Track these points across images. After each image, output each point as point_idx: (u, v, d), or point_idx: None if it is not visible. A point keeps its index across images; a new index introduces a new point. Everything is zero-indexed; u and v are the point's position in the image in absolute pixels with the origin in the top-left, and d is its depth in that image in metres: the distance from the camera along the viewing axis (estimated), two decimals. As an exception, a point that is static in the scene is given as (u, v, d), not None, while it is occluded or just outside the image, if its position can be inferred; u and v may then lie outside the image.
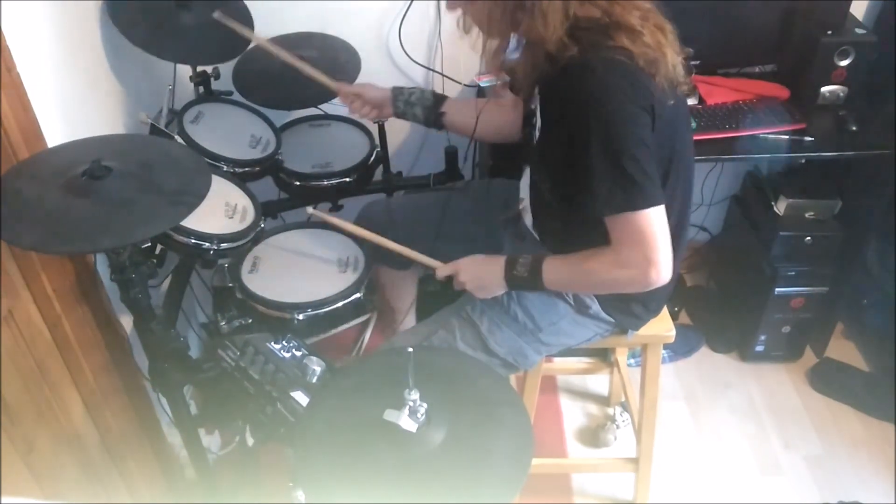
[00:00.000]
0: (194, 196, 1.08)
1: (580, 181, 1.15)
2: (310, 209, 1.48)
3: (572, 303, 1.37)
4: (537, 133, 1.28)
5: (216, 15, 1.55)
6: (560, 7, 1.09)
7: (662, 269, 1.16)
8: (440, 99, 1.58)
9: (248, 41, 1.64)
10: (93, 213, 1.03)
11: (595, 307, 1.37)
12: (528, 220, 1.44)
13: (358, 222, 1.57)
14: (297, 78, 1.71)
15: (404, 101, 1.57)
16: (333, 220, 1.48)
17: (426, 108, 1.56)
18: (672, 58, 1.15)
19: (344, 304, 1.39)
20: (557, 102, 1.18)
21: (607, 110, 1.09)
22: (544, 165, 1.31)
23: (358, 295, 1.41)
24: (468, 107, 1.56)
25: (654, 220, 1.14)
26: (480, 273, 1.34)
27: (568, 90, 1.13)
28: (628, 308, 1.38)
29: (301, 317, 1.37)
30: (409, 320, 1.88)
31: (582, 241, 1.24)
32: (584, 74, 1.10)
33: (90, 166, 1.05)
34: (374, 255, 1.49)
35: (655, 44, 1.12)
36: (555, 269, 1.28)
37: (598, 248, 1.21)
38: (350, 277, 1.44)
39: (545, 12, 1.09)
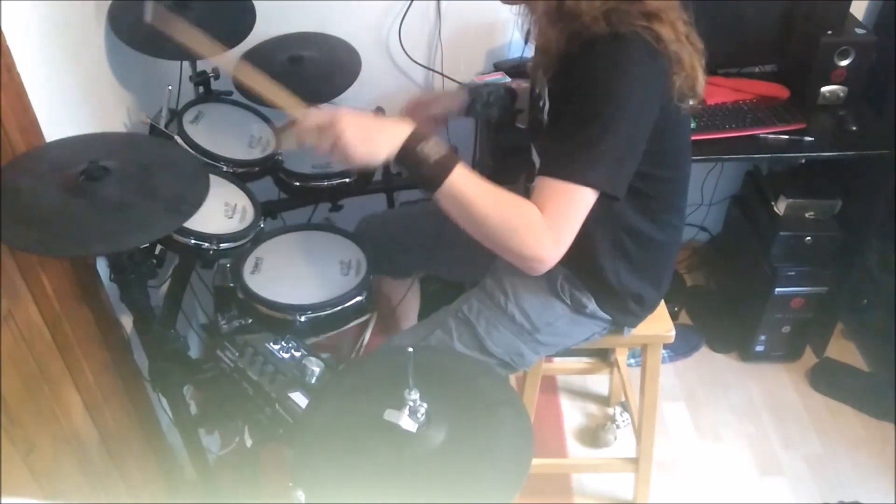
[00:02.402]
0: (191, 204, 1.08)
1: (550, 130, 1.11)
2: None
3: (569, 302, 1.37)
4: (545, 117, 1.26)
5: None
6: None
7: (556, 257, 1.08)
8: (515, 95, 1.49)
9: (246, 32, 1.62)
10: (88, 216, 1.03)
11: (592, 306, 1.37)
12: None
13: (357, 233, 1.57)
14: (296, 78, 1.71)
15: (483, 104, 1.48)
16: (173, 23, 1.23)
17: (501, 108, 1.49)
18: (699, 76, 1.13)
19: (346, 307, 1.39)
20: (576, 75, 1.12)
21: (621, 81, 1.06)
22: (556, 149, 1.28)
23: (360, 298, 1.40)
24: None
25: (588, 205, 1.08)
26: (369, 126, 1.10)
27: (586, 58, 1.08)
28: (625, 305, 1.38)
29: (303, 318, 1.36)
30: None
31: (588, 227, 1.22)
32: (613, 43, 1.06)
33: (88, 167, 1.05)
34: (375, 265, 1.48)
35: (688, 54, 1.11)
36: (465, 180, 1.09)
37: (525, 199, 1.10)
38: (352, 280, 1.44)
39: None
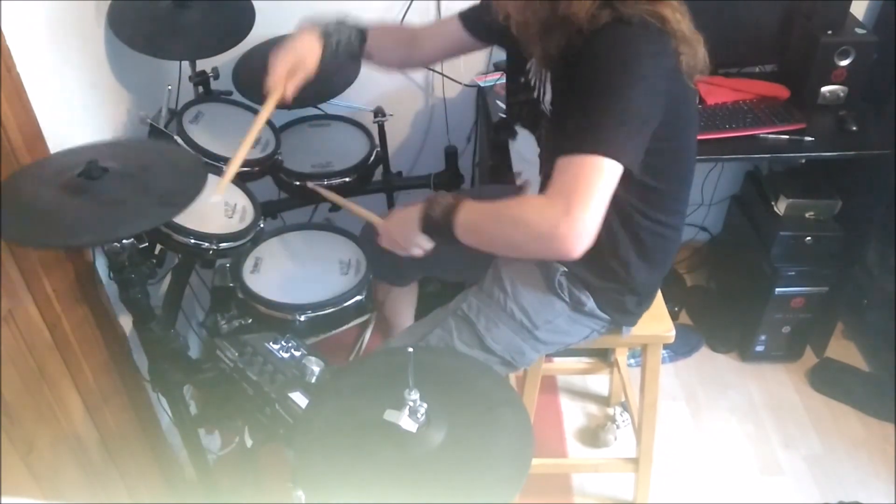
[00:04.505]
0: (185, 197, 1.08)
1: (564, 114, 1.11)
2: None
3: (568, 300, 1.37)
4: (547, 106, 1.26)
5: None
6: None
7: (576, 227, 1.02)
8: (364, 34, 1.47)
9: (246, 32, 1.62)
10: (82, 211, 1.04)
11: (590, 304, 1.36)
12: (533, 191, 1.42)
13: (360, 238, 1.58)
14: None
15: (331, 53, 1.43)
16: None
17: (351, 45, 1.46)
18: (702, 54, 1.14)
19: (345, 306, 1.39)
20: (583, 60, 1.10)
21: (627, 57, 1.06)
22: (557, 135, 1.25)
23: (360, 297, 1.41)
24: (386, 32, 1.47)
25: (600, 172, 1.03)
26: (402, 216, 1.24)
27: (599, 45, 1.08)
28: (622, 304, 1.37)
29: (303, 318, 1.37)
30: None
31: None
32: (619, 27, 1.06)
33: (86, 166, 1.06)
34: (375, 271, 1.48)
35: (688, 27, 1.12)
36: (472, 211, 1.15)
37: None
38: (352, 279, 1.44)
39: None
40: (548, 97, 1.25)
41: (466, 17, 1.44)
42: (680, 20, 1.10)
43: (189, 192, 1.09)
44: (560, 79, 1.21)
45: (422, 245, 1.24)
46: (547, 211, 1.04)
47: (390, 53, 1.51)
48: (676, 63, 1.12)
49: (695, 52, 1.13)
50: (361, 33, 1.47)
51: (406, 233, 1.24)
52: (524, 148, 1.47)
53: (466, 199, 1.17)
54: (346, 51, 1.45)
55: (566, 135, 1.07)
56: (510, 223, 1.11)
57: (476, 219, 1.15)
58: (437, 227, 1.19)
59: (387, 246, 1.30)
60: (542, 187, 1.35)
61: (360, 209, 1.38)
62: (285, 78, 1.39)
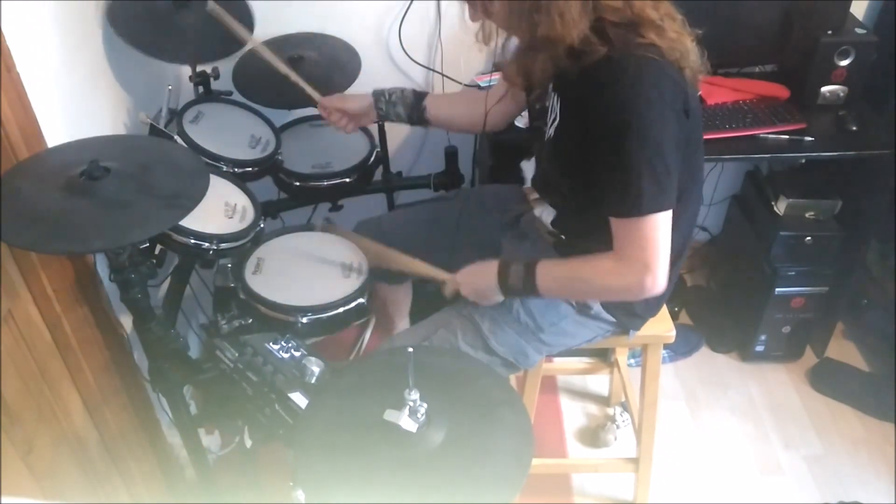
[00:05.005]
0: (190, 199, 1.08)
1: (597, 179, 1.15)
2: (320, 223, 1.53)
3: (574, 303, 1.37)
4: (550, 130, 1.28)
5: (209, 7, 1.51)
6: (578, 4, 1.08)
7: (659, 278, 1.16)
8: (420, 95, 1.56)
9: (245, 39, 1.64)
10: (88, 214, 1.03)
11: (597, 307, 1.37)
12: (538, 211, 1.44)
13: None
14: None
15: (385, 103, 1.56)
16: (349, 233, 1.51)
17: (408, 106, 1.55)
18: (692, 47, 1.15)
19: (347, 309, 1.39)
20: (584, 102, 1.15)
21: (640, 113, 1.08)
22: (558, 161, 1.30)
23: (361, 300, 1.40)
24: (450, 100, 1.56)
25: (660, 226, 1.14)
26: (478, 285, 1.35)
27: (599, 91, 1.11)
28: (630, 307, 1.38)
29: (304, 320, 1.36)
30: (405, 326, 1.89)
31: (596, 230, 1.23)
32: (616, 75, 1.08)
33: (88, 167, 1.05)
34: (373, 272, 1.49)
35: (677, 36, 1.12)
36: (548, 276, 1.27)
37: (595, 254, 1.21)
38: (354, 282, 1.44)
39: (562, 11, 1.07)
40: (556, 122, 1.26)
41: None
42: (673, 40, 1.11)
43: (193, 193, 1.09)
44: (567, 111, 1.23)
45: (496, 302, 1.36)
46: (629, 276, 1.18)
47: (459, 116, 1.58)
48: (684, 86, 1.13)
49: (692, 58, 1.14)
50: (416, 93, 1.56)
51: (484, 295, 1.35)
52: (528, 168, 1.49)
53: (536, 261, 1.28)
54: (401, 102, 1.56)
55: (615, 192, 1.14)
56: (593, 290, 1.29)
57: (555, 287, 1.29)
58: (521, 294, 1.32)
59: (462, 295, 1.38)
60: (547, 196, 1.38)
61: (427, 268, 1.42)
62: (334, 99, 1.59)
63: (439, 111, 1.56)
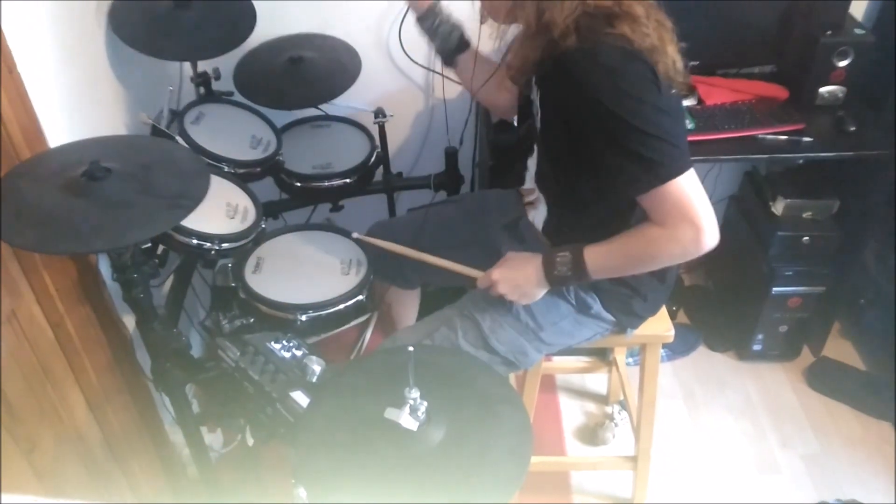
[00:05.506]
0: (191, 200, 1.08)
1: (599, 167, 1.15)
2: (354, 234, 1.52)
3: (574, 303, 1.38)
4: (538, 123, 1.29)
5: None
6: None
7: (710, 231, 1.13)
8: (463, 46, 1.50)
9: (247, 33, 1.63)
10: (89, 214, 1.04)
11: (597, 307, 1.38)
12: (535, 213, 1.44)
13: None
14: (297, 78, 1.71)
15: (430, 26, 1.48)
16: (377, 242, 1.50)
17: (444, 43, 1.49)
18: (673, 54, 1.15)
19: (346, 306, 1.39)
20: (557, 92, 1.18)
21: (613, 93, 1.08)
22: (548, 155, 1.31)
23: (361, 297, 1.41)
24: (482, 66, 1.49)
25: (685, 187, 1.12)
26: (518, 280, 1.32)
27: (568, 79, 1.12)
28: (629, 307, 1.39)
29: (304, 318, 1.37)
30: None
31: (592, 222, 1.24)
32: (583, 62, 1.09)
33: (89, 167, 1.06)
34: (381, 274, 1.49)
35: (658, 37, 1.13)
36: (598, 258, 1.24)
37: (638, 226, 1.20)
38: (353, 279, 1.44)
39: None
40: (539, 114, 1.28)
41: None
42: (647, 35, 1.11)
43: (195, 193, 1.10)
44: (546, 103, 1.24)
45: (532, 300, 1.34)
46: (682, 238, 1.15)
47: (479, 77, 1.50)
48: (655, 70, 1.13)
49: (666, 60, 1.14)
50: (462, 35, 1.50)
51: (524, 291, 1.32)
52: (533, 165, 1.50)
53: (581, 247, 1.25)
54: (445, 32, 1.48)
55: (630, 168, 1.12)
56: (649, 259, 1.22)
57: (609, 265, 1.25)
58: (569, 282, 1.30)
59: (497, 293, 1.33)
60: (547, 197, 1.39)
61: (459, 266, 1.40)
62: None
63: (465, 69, 1.51)
